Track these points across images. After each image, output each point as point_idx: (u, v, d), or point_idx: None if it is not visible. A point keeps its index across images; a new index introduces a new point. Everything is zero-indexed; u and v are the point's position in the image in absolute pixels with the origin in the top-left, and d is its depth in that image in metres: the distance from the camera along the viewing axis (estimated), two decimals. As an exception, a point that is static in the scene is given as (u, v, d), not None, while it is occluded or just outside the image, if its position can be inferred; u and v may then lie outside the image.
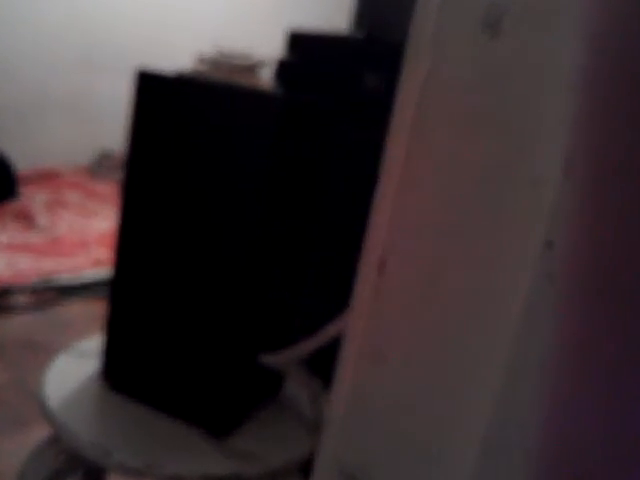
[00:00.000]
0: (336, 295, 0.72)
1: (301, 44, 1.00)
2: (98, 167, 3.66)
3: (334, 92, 0.90)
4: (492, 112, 0.37)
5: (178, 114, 0.78)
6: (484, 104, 0.38)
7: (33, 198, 3.23)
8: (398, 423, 0.43)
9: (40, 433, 0.96)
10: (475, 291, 0.38)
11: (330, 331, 0.70)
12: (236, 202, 0.75)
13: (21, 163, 3.27)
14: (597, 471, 0.38)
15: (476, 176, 0.38)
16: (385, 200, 0.42)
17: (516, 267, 0.36)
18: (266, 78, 0.84)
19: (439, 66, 0.39)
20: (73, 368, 0.93)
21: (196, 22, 3.72)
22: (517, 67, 0.36)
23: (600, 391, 0.37)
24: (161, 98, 0.79)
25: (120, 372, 0.89)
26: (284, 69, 0.99)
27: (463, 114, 0.39)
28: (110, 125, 3.47)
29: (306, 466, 0.81)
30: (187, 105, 0.77)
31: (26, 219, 3.02)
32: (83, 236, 2.98)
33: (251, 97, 0.75)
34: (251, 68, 0.82)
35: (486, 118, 0.38)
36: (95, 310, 2.39)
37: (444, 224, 0.40)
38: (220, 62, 0.82)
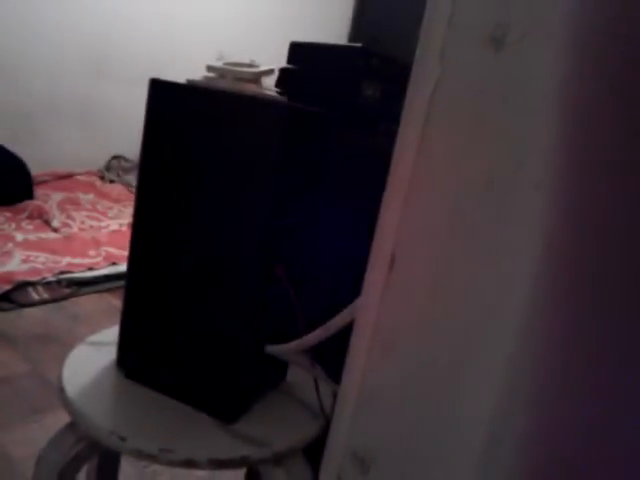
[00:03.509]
0: (341, 288, 0.72)
1: (302, 54, 1.00)
2: (110, 171, 3.66)
3: (333, 99, 0.90)
4: (497, 120, 0.38)
5: (189, 120, 0.78)
6: (489, 113, 0.38)
7: (47, 199, 3.22)
8: (407, 411, 0.43)
9: (55, 421, 0.96)
10: (480, 288, 0.38)
11: (337, 323, 0.70)
12: (246, 200, 0.76)
13: (35, 166, 3.26)
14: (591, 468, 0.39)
15: (481, 180, 0.38)
16: (394, 200, 0.42)
17: (519, 266, 0.36)
18: (269, 86, 0.84)
19: (447, 77, 0.39)
20: (90, 358, 0.93)
21: (202, 33, 3.71)
22: (520, 78, 0.36)
23: (595, 389, 0.37)
24: (173, 105, 0.79)
25: (134, 361, 0.89)
26: (286, 77, 0.99)
27: (469, 122, 0.39)
28: (121, 131, 3.46)
29: (311, 449, 0.81)
30: (198, 112, 0.77)
31: (41, 219, 3.02)
32: (95, 235, 2.97)
33: (259, 105, 0.75)
34: (256, 77, 0.82)
35: (491, 126, 0.38)
36: (106, 304, 2.39)
37: (451, 224, 0.40)
38: (227, 71, 0.82)
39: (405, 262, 0.41)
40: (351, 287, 0.61)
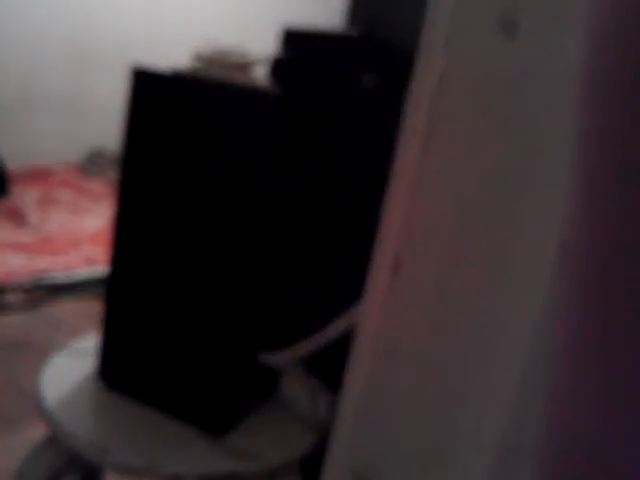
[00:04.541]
0: (335, 296, 0.72)
1: (296, 41, 0.99)
2: (90, 165, 3.63)
3: (329, 90, 0.89)
4: (506, 113, 0.37)
5: (174, 112, 0.77)
6: (500, 103, 0.37)
7: (24, 196, 3.20)
8: (411, 424, 0.42)
9: (33, 433, 0.95)
10: (490, 289, 0.38)
11: (331, 331, 0.70)
12: (234, 200, 0.75)
13: (12, 161, 3.24)
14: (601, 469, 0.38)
15: (490, 176, 0.38)
16: (398, 201, 0.42)
17: (530, 267, 0.36)
18: (261, 76, 0.84)
19: (453, 66, 0.39)
20: (69, 367, 0.92)
21: (189, 20, 3.69)
22: (533, 69, 0.36)
23: (607, 389, 0.37)
24: (157, 96, 0.78)
25: (117, 371, 0.88)
26: (279, 67, 0.98)
27: (477, 114, 0.38)
28: (102, 123, 3.44)
29: (304, 464, 0.81)
30: (183, 103, 0.76)
31: (17, 217, 2.99)
32: (75, 234, 2.96)
33: (247, 95, 0.74)
34: (246, 66, 0.81)
35: (500, 118, 0.37)
36: (87, 309, 2.37)
37: (459, 224, 0.39)
38: (215, 59, 0.81)
39: (411, 264, 0.41)
40: (350, 291, 0.61)
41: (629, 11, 0.33)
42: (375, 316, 0.43)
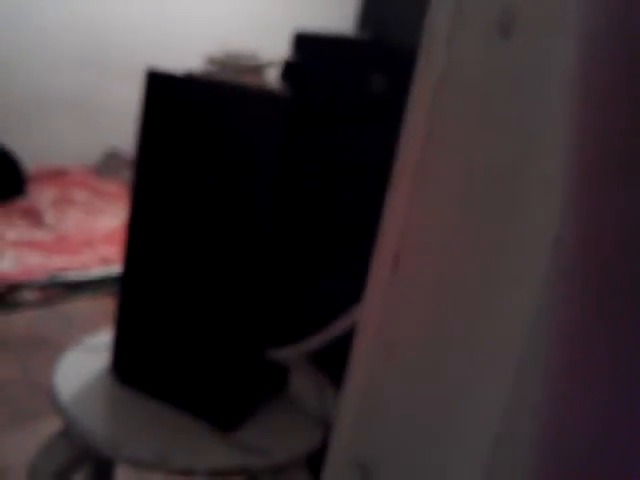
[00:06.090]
0: (343, 291, 0.73)
1: (307, 45, 1.00)
2: (105, 166, 3.66)
3: (340, 93, 0.90)
4: (505, 111, 0.38)
5: (187, 113, 0.79)
6: (497, 104, 0.38)
7: (41, 196, 3.23)
8: (411, 416, 0.43)
9: (47, 428, 0.97)
10: (488, 287, 0.39)
11: (338, 327, 0.71)
12: (245, 199, 0.76)
13: (28, 162, 3.27)
14: (594, 467, 0.39)
15: (489, 174, 0.38)
16: (399, 197, 0.43)
17: (527, 263, 0.37)
18: (272, 79, 0.85)
19: (453, 66, 0.40)
20: (83, 363, 0.94)
21: (201, 23, 3.71)
22: (528, 67, 0.37)
23: (601, 387, 0.37)
24: (170, 98, 0.80)
25: (130, 366, 0.90)
26: (290, 70, 0.99)
27: (476, 113, 0.39)
28: (116, 124, 3.47)
29: (313, 459, 0.82)
30: (196, 105, 0.78)
31: (34, 217, 3.03)
32: (90, 234, 2.98)
33: (260, 98, 0.76)
34: (258, 69, 0.83)
35: (499, 117, 0.38)
36: (101, 307, 2.40)
37: (457, 221, 0.40)
38: (227, 63, 0.82)
39: (410, 262, 0.42)
40: (358, 287, 0.62)
41: (620, 14, 0.34)
42: (375, 312, 0.44)
